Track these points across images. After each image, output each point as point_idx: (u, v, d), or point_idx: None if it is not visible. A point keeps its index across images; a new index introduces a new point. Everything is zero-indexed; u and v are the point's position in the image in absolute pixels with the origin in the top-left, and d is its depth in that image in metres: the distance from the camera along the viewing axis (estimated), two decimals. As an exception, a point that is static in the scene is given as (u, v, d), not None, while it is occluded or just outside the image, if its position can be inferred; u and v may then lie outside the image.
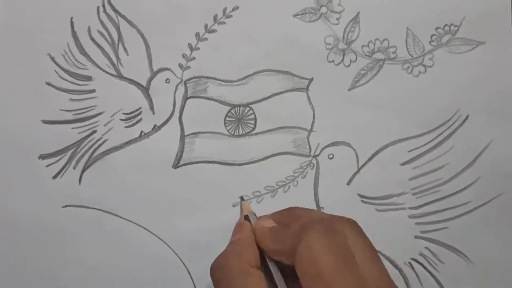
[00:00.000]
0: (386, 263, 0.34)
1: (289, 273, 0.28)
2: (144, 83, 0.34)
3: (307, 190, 0.35)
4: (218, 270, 0.29)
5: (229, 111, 0.35)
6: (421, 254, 0.35)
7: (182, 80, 0.34)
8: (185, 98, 0.35)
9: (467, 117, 0.35)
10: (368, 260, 0.26)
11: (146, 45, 0.34)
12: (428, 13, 0.35)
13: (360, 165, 0.35)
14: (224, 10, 0.34)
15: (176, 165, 0.34)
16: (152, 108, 0.34)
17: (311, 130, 0.35)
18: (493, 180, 0.35)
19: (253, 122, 0.35)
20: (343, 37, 0.35)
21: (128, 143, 0.34)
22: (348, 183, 0.35)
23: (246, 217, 0.33)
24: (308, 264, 0.26)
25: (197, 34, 0.34)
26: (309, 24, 0.35)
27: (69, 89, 0.34)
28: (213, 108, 0.35)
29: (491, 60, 0.35)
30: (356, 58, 0.35)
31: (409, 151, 0.35)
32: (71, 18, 0.34)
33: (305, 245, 0.26)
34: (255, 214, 0.33)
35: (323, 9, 0.35)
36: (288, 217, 0.31)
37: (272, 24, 0.35)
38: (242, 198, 0.34)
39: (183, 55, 0.34)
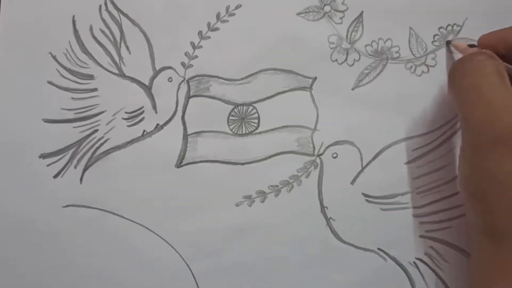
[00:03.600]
0: (390, 263, 0.34)
1: None
2: (146, 82, 0.34)
3: (311, 189, 0.34)
4: (468, 63, 0.27)
5: (232, 110, 0.34)
6: (426, 254, 0.35)
7: (184, 78, 0.34)
8: (188, 97, 0.34)
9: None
10: None
11: (149, 44, 0.34)
12: (431, 13, 0.35)
13: (364, 164, 0.35)
14: (227, 8, 0.34)
15: (179, 165, 0.34)
16: (154, 107, 0.34)
17: (314, 129, 0.35)
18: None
19: (256, 121, 0.35)
20: (347, 36, 0.35)
21: (130, 142, 0.34)
22: (352, 182, 0.35)
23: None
24: None
25: (200, 33, 0.34)
26: (312, 23, 0.35)
27: (71, 88, 0.34)
28: (216, 107, 0.34)
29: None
30: (360, 58, 0.35)
31: (413, 150, 0.35)
32: (73, 16, 0.34)
33: None
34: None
35: (327, 8, 0.35)
36: None
37: (275, 23, 0.35)
38: (447, 43, 0.33)
39: (186, 54, 0.34)
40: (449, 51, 0.34)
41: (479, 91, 0.27)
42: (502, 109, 0.26)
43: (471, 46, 0.32)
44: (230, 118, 0.34)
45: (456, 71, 0.28)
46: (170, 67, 0.34)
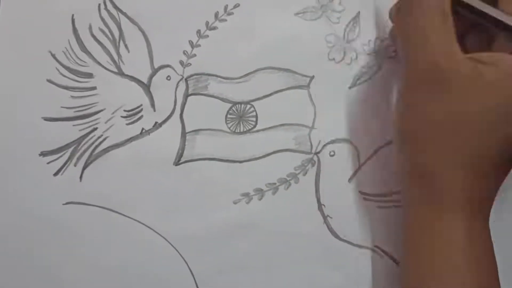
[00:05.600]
0: (387, 260, 0.34)
1: None
2: (145, 80, 0.34)
3: (309, 187, 0.35)
4: (409, 3, 0.27)
5: (230, 108, 0.35)
6: (422, 251, 0.35)
7: (183, 77, 0.35)
8: (186, 95, 0.35)
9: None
10: None
11: (147, 42, 0.34)
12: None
13: (361, 162, 0.35)
14: (225, 7, 0.35)
15: (177, 162, 0.34)
16: (153, 105, 0.34)
17: (312, 127, 0.35)
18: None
19: (254, 119, 0.35)
20: (344, 35, 0.35)
21: (129, 140, 0.34)
22: (350, 180, 0.35)
23: None
24: None
25: (198, 31, 0.34)
26: (310, 22, 0.35)
27: (70, 86, 0.34)
28: (214, 105, 0.35)
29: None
30: (357, 56, 0.35)
31: (410, 148, 0.35)
32: (72, 15, 0.34)
33: None
34: None
35: (324, 8, 0.35)
36: None
37: (273, 22, 0.35)
38: None
39: (184, 52, 0.34)
40: None
41: (422, 33, 0.27)
42: (442, 53, 0.26)
43: None
44: (228, 116, 0.35)
45: (400, 10, 0.28)
46: (168, 66, 0.34)
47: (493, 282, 0.28)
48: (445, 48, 0.26)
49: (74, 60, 0.34)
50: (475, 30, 0.30)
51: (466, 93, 0.25)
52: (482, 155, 0.26)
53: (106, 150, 0.34)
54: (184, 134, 0.34)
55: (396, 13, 0.28)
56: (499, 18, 0.27)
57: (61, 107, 0.34)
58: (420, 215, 0.28)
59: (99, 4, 0.34)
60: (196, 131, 0.35)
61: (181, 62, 0.34)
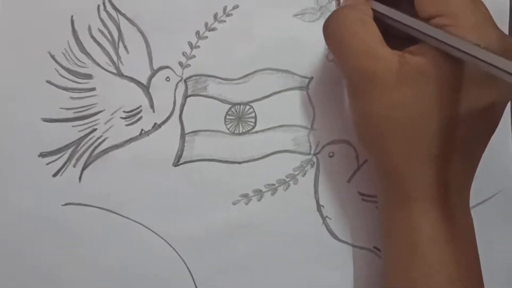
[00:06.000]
0: (386, 261, 0.34)
1: None
2: (144, 81, 0.34)
3: (307, 188, 0.35)
4: (332, 21, 0.29)
5: (229, 109, 0.35)
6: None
7: (182, 78, 0.35)
8: (185, 96, 0.35)
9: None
10: (482, 3, 0.28)
11: (146, 43, 0.34)
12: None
13: (360, 163, 0.35)
14: (225, 8, 0.35)
15: (176, 163, 0.34)
16: (152, 106, 0.34)
17: (311, 128, 0.35)
18: (491, 178, 0.35)
19: (253, 120, 0.35)
20: (343, 36, 0.35)
21: (129, 141, 0.34)
22: (349, 181, 0.35)
23: None
24: None
25: (197, 33, 0.35)
26: (309, 23, 0.35)
27: (70, 87, 0.34)
28: (213, 106, 0.35)
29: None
30: (356, 57, 0.35)
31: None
32: (72, 16, 0.34)
33: None
34: None
35: (323, 9, 0.35)
36: None
37: (272, 23, 0.35)
38: None
39: (184, 53, 0.34)
40: None
41: (343, 44, 0.28)
42: (364, 54, 0.27)
43: None
44: (227, 117, 0.35)
45: (325, 30, 0.30)
46: (167, 67, 0.34)
47: (474, 273, 0.29)
48: (366, 49, 0.27)
49: (73, 61, 0.34)
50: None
51: (398, 84, 0.27)
52: (433, 142, 0.27)
53: (106, 151, 0.34)
54: (183, 135, 0.35)
55: (325, 30, 0.30)
56: (414, 27, 0.28)
57: (60, 108, 0.34)
58: (391, 213, 0.29)
59: (98, 5, 0.34)
60: (195, 132, 0.35)
61: (180, 63, 0.34)
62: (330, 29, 0.30)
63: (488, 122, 0.29)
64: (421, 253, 0.27)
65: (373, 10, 0.30)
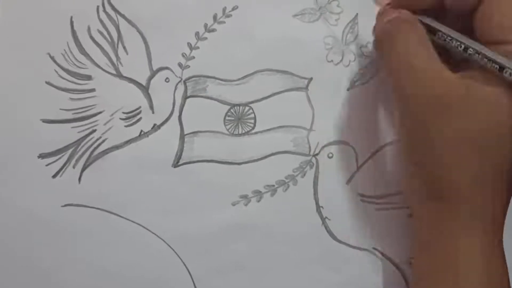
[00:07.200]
0: (385, 262, 0.35)
1: None
2: (143, 82, 0.34)
3: (307, 189, 0.35)
4: (390, 37, 0.28)
5: (229, 110, 0.35)
6: (420, 253, 0.35)
7: (181, 79, 0.35)
8: (185, 97, 0.35)
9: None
10: None
11: (146, 44, 0.34)
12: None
13: (359, 164, 0.35)
14: (224, 9, 0.35)
15: (175, 164, 0.34)
16: (151, 107, 0.34)
17: (310, 129, 0.35)
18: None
19: (252, 121, 0.35)
20: (342, 37, 0.35)
21: (128, 142, 0.34)
22: (348, 182, 0.35)
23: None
24: (502, 12, 0.26)
25: (197, 33, 0.34)
26: (308, 24, 0.35)
27: (69, 88, 0.34)
28: (213, 107, 0.35)
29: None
30: (355, 58, 0.35)
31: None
32: (71, 17, 0.34)
33: None
34: None
35: (323, 10, 0.35)
36: None
37: (271, 24, 0.35)
38: None
39: (183, 54, 0.34)
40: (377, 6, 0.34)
41: (408, 62, 0.27)
42: (433, 80, 0.27)
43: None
44: (227, 118, 0.35)
45: (384, 40, 0.29)
46: (167, 68, 0.34)
47: None
48: (435, 75, 0.27)
49: (72, 62, 0.34)
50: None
51: (465, 112, 0.26)
52: (493, 171, 0.26)
53: (105, 152, 0.34)
54: (182, 136, 0.35)
55: (380, 45, 0.29)
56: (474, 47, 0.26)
57: (60, 109, 0.34)
58: (437, 231, 0.28)
59: (98, 6, 0.34)
60: (194, 133, 0.35)
61: (180, 64, 0.34)
62: (389, 43, 0.28)
63: None
64: (470, 280, 0.27)
65: (425, 25, 0.28)
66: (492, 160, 0.26)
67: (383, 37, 0.29)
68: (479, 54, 0.26)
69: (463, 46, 0.27)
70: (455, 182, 0.27)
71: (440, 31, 0.28)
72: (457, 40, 0.27)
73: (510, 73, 0.24)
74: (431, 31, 0.29)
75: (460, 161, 0.26)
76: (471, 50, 0.26)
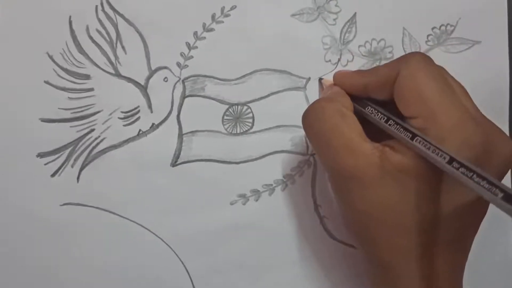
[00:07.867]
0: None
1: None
2: (142, 82, 0.34)
3: (305, 188, 0.35)
4: (310, 113, 0.29)
5: (227, 109, 0.35)
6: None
7: (180, 78, 0.35)
8: (183, 97, 0.35)
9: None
10: (463, 95, 0.27)
11: (144, 44, 0.34)
12: (424, 13, 0.36)
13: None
14: (222, 9, 0.35)
15: (174, 164, 0.35)
16: (150, 106, 0.34)
17: (308, 129, 0.35)
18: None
19: (251, 120, 0.35)
20: (340, 37, 0.35)
21: (126, 141, 0.34)
22: (345, 181, 0.35)
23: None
24: (411, 92, 0.26)
25: (195, 33, 0.35)
26: (306, 24, 0.35)
27: (68, 88, 0.34)
28: (211, 106, 0.35)
29: (486, 59, 0.36)
30: (353, 58, 0.35)
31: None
32: (70, 17, 0.34)
33: (407, 74, 0.26)
34: None
35: (321, 9, 0.35)
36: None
37: (269, 24, 0.35)
38: (320, 80, 0.35)
39: (181, 54, 0.35)
40: (321, 87, 0.35)
41: (322, 138, 0.28)
42: (345, 152, 0.27)
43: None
44: (225, 117, 0.35)
45: (304, 122, 0.29)
46: (165, 67, 0.35)
47: None
48: (346, 143, 0.27)
49: (71, 61, 0.34)
50: None
51: (379, 181, 0.26)
52: (414, 239, 0.26)
53: (103, 151, 0.34)
54: (181, 135, 0.35)
55: (303, 121, 0.29)
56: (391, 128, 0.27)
57: (59, 108, 0.34)
58: None
59: (96, 6, 0.34)
60: (193, 132, 0.35)
61: (178, 64, 0.35)
62: (308, 122, 0.29)
63: (473, 215, 0.28)
64: None
65: (354, 102, 0.29)
66: (405, 226, 0.26)
67: (304, 116, 0.29)
68: (397, 124, 0.27)
69: (385, 118, 0.28)
70: (377, 247, 0.27)
71: (369, 105, 0.29)
72: (382, 113, 0.28)
73: (419, 141, 0.25)
74: (363, 105, 0.29)
75: (376, 228, 0.27)
76: (391, 121, 0.27)
